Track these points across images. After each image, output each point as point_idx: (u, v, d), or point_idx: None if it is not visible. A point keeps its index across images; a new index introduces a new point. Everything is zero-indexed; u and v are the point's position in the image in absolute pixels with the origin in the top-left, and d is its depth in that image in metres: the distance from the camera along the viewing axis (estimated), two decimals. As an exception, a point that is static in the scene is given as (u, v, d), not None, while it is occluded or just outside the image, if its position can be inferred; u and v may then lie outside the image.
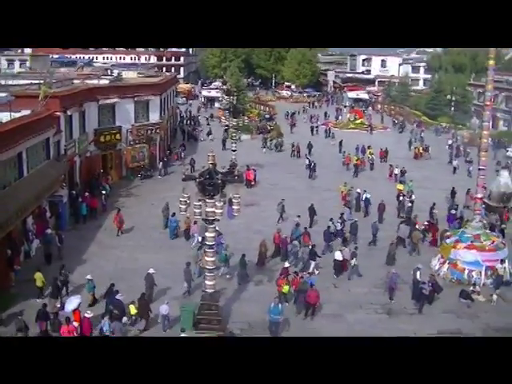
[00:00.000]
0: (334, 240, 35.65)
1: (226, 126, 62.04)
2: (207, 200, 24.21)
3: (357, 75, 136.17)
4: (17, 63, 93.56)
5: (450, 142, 75.39)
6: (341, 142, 66.68)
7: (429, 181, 53.56)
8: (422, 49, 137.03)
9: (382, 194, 43.97)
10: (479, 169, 34.45)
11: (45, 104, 35.88)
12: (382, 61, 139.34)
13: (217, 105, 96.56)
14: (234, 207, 26.12)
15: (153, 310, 25.77)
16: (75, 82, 49.20)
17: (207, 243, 24.97)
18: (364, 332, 24.60)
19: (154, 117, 54.55)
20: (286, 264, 30.64)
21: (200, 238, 32.65)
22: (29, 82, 43.74)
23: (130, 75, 63.66)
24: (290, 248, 33.73)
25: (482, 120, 35.79)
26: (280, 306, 25.04)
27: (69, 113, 40.33)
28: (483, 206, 38.49)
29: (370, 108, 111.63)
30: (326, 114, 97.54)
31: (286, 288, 27.57)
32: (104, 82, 52.81)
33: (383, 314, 27.82)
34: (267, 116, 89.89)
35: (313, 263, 31.97)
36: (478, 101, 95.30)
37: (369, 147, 63.65)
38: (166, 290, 28.69)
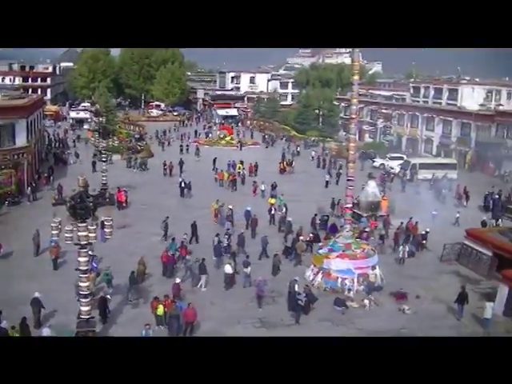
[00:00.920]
0: (223, 255, 36.15)
1: (96, 147, 61.15)
2: (79, 224, 23.79)
3: (226, 92, 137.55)
4: None
5: (313, 153, 78.73)
6: (214, 160, 66.95)
7: (300, 194, 54.84)
8: (289, 65, 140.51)
9: (253, 209, 44.62)
10: (347, 179, 35.75)
11: None
12: (251, 77, 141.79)
13: (86, 126, 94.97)
14: (106, 230, 25.83)
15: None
16: None
17: (80, 268, 24.51)
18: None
19: (21, 140, 52.81)
20: (177, 280, 30.78)
21: None
22: None
23: (-7, 98, 61.37)
24: (185, 262, 34.08)
25: (349, 132, 37.13)
26: (151, 332, 24.93)
27: None
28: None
29: (240, 124, 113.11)
30: (196, 132, 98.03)
31: (160, 310, 27.42)
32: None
33: (261, 328, 28.14)
34: (137, 136, 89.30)
35: (203, 277, 32.47)
36: (344, 114, 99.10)
37: (241, 162, 64.63)
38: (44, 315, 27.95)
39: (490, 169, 72.37)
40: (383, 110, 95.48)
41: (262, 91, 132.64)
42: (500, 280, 31.83)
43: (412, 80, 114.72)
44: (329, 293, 32.44)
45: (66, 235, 23.90)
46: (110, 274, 31.40)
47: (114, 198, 48.78)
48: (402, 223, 42.14)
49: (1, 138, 50.33)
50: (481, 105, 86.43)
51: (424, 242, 40.41)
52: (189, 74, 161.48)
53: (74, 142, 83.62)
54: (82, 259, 24.31)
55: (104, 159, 52.21)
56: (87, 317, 24.75)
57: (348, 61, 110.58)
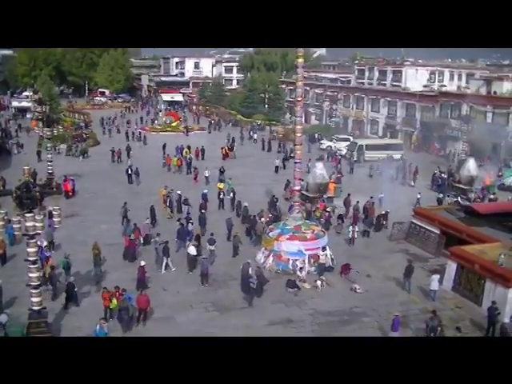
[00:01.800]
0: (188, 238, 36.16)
1: (41, 136, 60.12)
2: (26, 214, 23.36)
3: (171, 78, 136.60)
4: None
5: (255, 136, 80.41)
6: (164, 146, 66.20)
7: (248, 178, 55.17)
8: (234, 49, 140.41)
9: (210, 192, 45.18)
10: (295, 162, 35.90)
11: None
12: (196, 63, 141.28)
13: (29, 115, 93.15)
14: (54, 220, 25.45)
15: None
16: None
17: (29, 259, 24.06)
18: (197, 332, 24.76)
19: (-39, 132, 51.54)
20: (142, 262, 30.57)
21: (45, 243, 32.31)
22: None
23: None
24: (154, 243, 34.29)
25: (295, 115, 37.19)
26: (106, 328, 24.34)
27: None
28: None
29: (186, 110, 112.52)
30: (141, 118, 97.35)
31: (113, 303, 26.89)
32: None
33: (214, 312, 28.18)
34: (82, 124, 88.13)
35: (166, 259, 32.88)
36: (290, 97, 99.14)
37: (188, 147, 64.60)
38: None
39: (435, 149, 73.61)
40: (329, 93, 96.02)
41: (206, 76, 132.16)
42: (448, 257, 32.49)
43: (356, 62, 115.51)
44: (281, 275, 32.65)
45: (14, 226, 23.47)
46: (70, 260, 30.93)
47: (61, 187, 48.07)
48: (358, 202, 42.78)
49: None
50: (424, 86, 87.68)
51: (384, 222, 40.98)
52: (133, 60, 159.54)
53: (16, 131, 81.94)
54: (30, 249, 23.85)
55: (49, 148, 51.30)
56: (39, 307, 24.37)
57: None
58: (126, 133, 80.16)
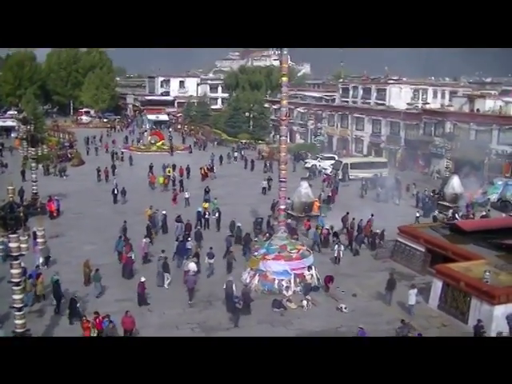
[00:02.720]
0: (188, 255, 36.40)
1: (25, 156, 59.85)
2: (10, 235, 23.19)
3: (156, 97, 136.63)
4: None
5: (235, 154, 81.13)
6: (151, 166, 65.54)
7: (232, 197, 55.25)
8: (218, 68, 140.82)
9: (190, 214, 44.85)
10: (280, 181, 35.86)
11: None
12: (181, 82, 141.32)
13: (13, 134, 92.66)
14: (38, 240, 25.29)
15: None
16: None
17: (13, 281, 23.84)
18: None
19: None
20: (142, 279, 30.86)
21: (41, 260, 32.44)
22: None
23: None
24: (158, 259, 34.37)
25: (280, 134, 37.24)
26: None
27: None
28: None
29: (171, 129, 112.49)
30: (126, 138, 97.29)
31: (93, 332, 26.11)
32: None
33: (200, 332, 27.98)
34: (67, 144, 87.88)
35: (166, 275, 33.23)
36: (274, 116, 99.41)
37: (173, 166, 64.72)
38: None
39: (419, 166, 73.96)
40: (313, 111, 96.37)
41: (191, 95, 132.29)
42: (433, 275, 32.54)
43: (341, 81, 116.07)
44: (266, 295, 32.55)
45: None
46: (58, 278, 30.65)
47: (46, 208, 47.78)
48: (354, 219, 42.94)
49: None
50: (408, 104, 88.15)
51: (382, 242, 41.03)
52: (118, 79, 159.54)
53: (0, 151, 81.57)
54: (14, 271, 23.63)
55: (33, 168, 51.01)
56: (22, 330, 24.12)
57: (276, 63, 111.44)
58: (112, 152, 79.75)
